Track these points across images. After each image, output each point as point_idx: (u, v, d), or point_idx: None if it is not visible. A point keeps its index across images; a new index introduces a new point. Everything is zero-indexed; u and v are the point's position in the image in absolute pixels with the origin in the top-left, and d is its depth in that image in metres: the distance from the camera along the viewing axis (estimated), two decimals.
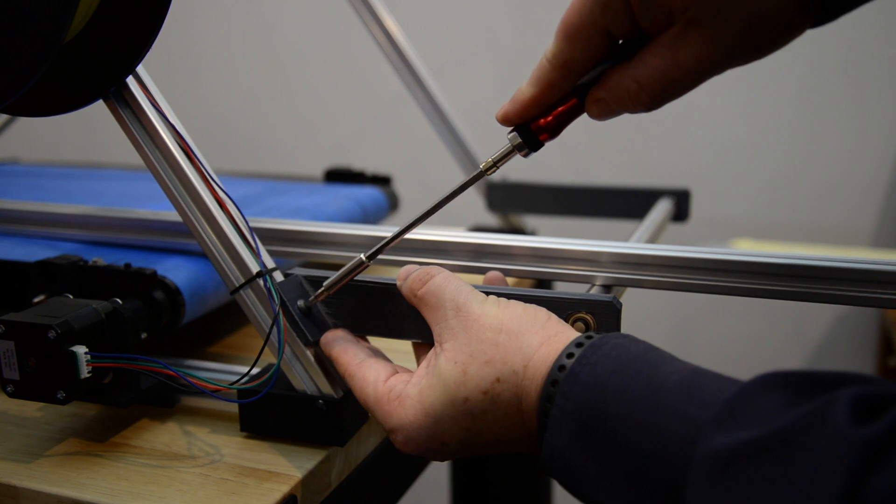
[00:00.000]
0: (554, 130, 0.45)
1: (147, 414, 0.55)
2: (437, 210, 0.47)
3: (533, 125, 0.44)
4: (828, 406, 0.29)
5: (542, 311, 0.43)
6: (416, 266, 0.47)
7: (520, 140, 0.45)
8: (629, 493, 0.35)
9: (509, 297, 0.46)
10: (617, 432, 0.36)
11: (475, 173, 0.46)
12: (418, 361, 0.50)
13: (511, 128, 0.45)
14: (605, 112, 0.44)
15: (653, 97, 0.42)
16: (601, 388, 0.37)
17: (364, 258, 0.47)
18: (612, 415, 0.36)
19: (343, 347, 0.48)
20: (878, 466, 0.27)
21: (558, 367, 0.39)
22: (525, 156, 0.46)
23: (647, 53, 0.41)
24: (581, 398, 0.37)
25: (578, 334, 0.41)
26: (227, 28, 1.74)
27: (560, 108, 0.44)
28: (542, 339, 0.41)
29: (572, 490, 0.38)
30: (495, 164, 0.45)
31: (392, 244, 0.48)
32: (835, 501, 0.27)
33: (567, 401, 0.38)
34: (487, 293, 0.45)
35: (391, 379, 0.45)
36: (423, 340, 0.49)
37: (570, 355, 0.39)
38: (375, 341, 0.52)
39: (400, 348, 0.51)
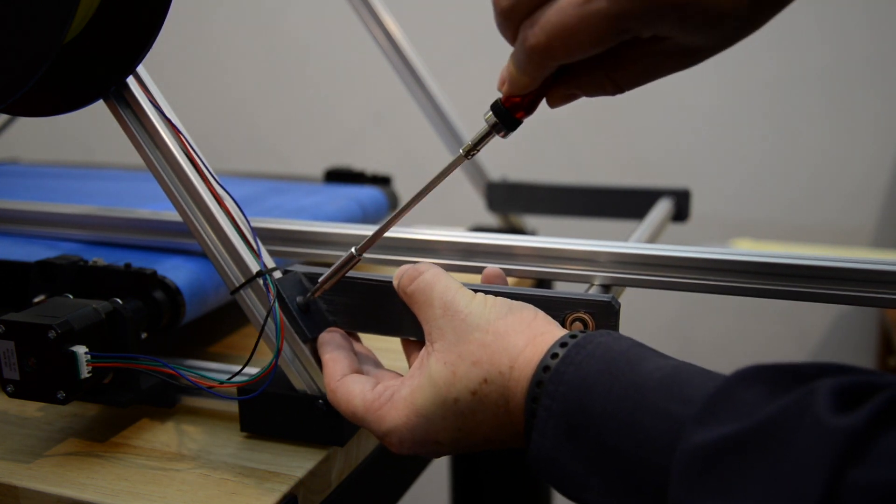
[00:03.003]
0: (529, 107, 0.44)
1: (147, 414, 0.55)
2: (422, 197, 0.46)
3: (507, 103, 0.44)
4: (807, 397, 0.29)
5: (528, 310, 0.43)
6: (412, 265, 0.47)
7: (496, 120, 0.44)
8: (617, 492, 0.35)
9: (504, 295, 0.46)
10: (602, 432, 0.36)
11: (456, 157, 0.46)
12: (408, 359, 0.50)
13: (487, 109, 0.44)
14: (566, 101, 0.44)
15: (623, 89, 0.43)
16: (587, 387, 0.37)
17: (355, 252, 0.47)
18: (597, 414, 0.36)
19: (332, 357, 0.48)
20: (858, 459, 0.27)
21: (543, 368, 0.39)
22: (504, 136, 0.45)
23: (626, 56, 0.41)
24: (567, 398, 0.37)
25: (564, 332, 0.41)
26: (226, 28, 1.74)
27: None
28: (527, 340, 0.41)
29: (561, 489, 0.38)
30: (475, 147, 0.45)
31: (382, 235, 0.47)
32: (816, 496, 0.27)
33: (553, 401, 0.38)
34: (476, 290, 0.45)
35: (378, 387, 0.45)
36: (418, 338, 0.49)
37: (554, 356, 0.39)
38: (373, 339, 0.52)
39: (398, 347, 0.51)
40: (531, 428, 0.39)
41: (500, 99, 0.44)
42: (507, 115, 0.44)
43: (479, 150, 0.45)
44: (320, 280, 0.49)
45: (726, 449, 0.30)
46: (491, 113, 0.44)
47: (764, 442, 0.30)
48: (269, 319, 0.49)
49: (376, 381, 0.46)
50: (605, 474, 0.36)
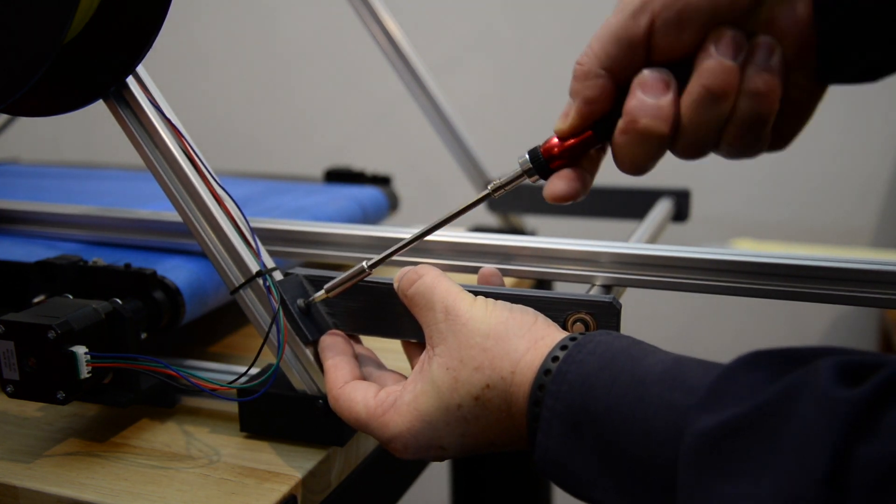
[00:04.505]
0: (568, 159, 0.44)
1: (147, 414, 0.55)
2: (442, 226, 0.47)
3: (544, 153, 0.44)
4: (809, 374, 0.30)
5: (528, 313, 0.43)
6: (412, 267, 0.47)
7: (530, 165, 0.44)
8: (624, 487, 0.35)
9: (504, 297, 0.46)
10: (606, 427, 0.36)
11: (483, 194, 0.46)
12: (410, 361, 0.50)
13: (523, 153, 0.44)
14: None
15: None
16: (588, 385, 0.37)
17: (366, 267, 0.48)
18: (600, 410, 0.36)
19: (334, 363, 0.48)
20: (863, 431, 0.27)
21: (544, 372, 0.39)
22: (535, 181, 0.45)
23: None
24: (569, 397, 0.37)
25: (564, 335, 0.41)
26: (227, 28, 1.74)
27: (573, 139, 0.43)
28: (528, 344, 0.41)
29: (568, 489, 0.38)
30: (503, 187, 0.45)
31: (395, 254, 0.48)
32: (822, 469, 0.27)
33: (556, 401, 0.38)
34: (476, 293, 0.45)
35: (381, 393, 0.45)
36: (419, 340, 0.49)
37: (555, 358, 0.39)
38: (373, 339, 0.52)
39: (398, 347, 0.51)
40: (535, 431, 0.39)
41: (539, 147, 0.44)
42: (542, 164, 0.44)
43: (506, 190, 0.45)
44: (326, 287, 0.49)
45: (731, 431, 0.31)
46: (526, 158, 0.44)
47: (768, 420, 0.30)
48: (272, 325, 0.49)
49: (378, 387, 0.46)
50: (611, 470, 0.36)
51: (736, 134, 0.40)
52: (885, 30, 0.37)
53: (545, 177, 0.44)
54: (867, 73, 0.39)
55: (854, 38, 0.37)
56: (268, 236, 0.60)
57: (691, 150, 0.41)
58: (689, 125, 0.39)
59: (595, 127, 0.43)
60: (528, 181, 0.45)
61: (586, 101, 0.42)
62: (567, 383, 0.38)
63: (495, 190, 0.45)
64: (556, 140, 0.44)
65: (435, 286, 0.44)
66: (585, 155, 0.44)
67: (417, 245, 0.57)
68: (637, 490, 0.35)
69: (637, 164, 0.41)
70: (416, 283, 0.45)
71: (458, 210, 0.46)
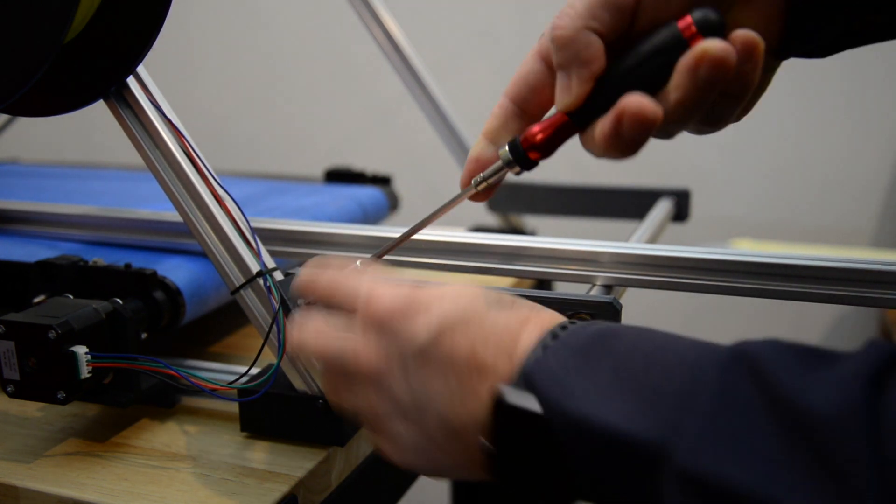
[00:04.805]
0: (545, 148, 0.43)
1: (147, 414, 0.55)
2: (427, 224, 0.47)
3: (523, 143, 0.43)
4: (853, 353, 0.31)
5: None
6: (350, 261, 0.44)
7: (510, 157, 0.44)
8: (624, 392, 0.32)
9: None
10: (625, 351, 0.34)
11: (465, 191, 0.45)
12: None
13: (504, 144, 0.44)
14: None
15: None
16: (611, 332, 0.35)
17: (359, 266, 0.48)
18: (621, 351, 0.34)
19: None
20: None
21: (552, 336, 0.36)
22: (517, 173, 0.45)
23: None
24: (584, 337, 0.35)
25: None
26: (226, 28, 1.74)
27: (550, 121, 0.43)
28: (536, 314, 0.39)
29: (556, 408, 0.33)
30: (486, 180, 0.45)
31: (384, 255, 0.48)
32: (867, 373, 0.28)
33: (570, 336, 0.35)
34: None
35: None
36: None
37: (564, 327, 0.37)
38: None
39: None
40: (531, 359, 0.35)
41: (518, 137, 0.44)
42: (522, 155, 0.43)
43: (490, 184, 0.45)
44: None
45: (788, 347, 0.31)
46: (506, 149, 0.44)
47: (823, 352, 0.31)
48: (273, 325, 0.49)
49: None
50: (614, 380, 0.33)
51: (707, 119, 0.42)
52: (846, 5, 0.39)
53: (526, 167, 0.44)
54: (820, 49, 0.42)
55: (818, 14, 0.40)
56: (268, 236, 0.60)
57: (662, 135, 0.43)
58: (667, 120, 0.41)
59: (573, 113, 0.43)
60: (513, 175, 0.45)
61: (586, 62, 0.41)
62: (584, 332, 0.36)
63: (478, 183, 0.45)
64: (535, 129, 0.43)
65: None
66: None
67: (417, 245, 0.57)
68: (640, 394, 0.32)
69: (609, 157, 0.43)
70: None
71: (444, 205, 0.46)
